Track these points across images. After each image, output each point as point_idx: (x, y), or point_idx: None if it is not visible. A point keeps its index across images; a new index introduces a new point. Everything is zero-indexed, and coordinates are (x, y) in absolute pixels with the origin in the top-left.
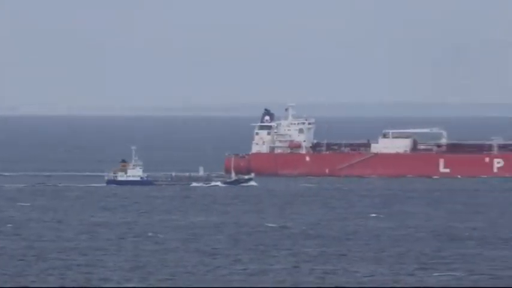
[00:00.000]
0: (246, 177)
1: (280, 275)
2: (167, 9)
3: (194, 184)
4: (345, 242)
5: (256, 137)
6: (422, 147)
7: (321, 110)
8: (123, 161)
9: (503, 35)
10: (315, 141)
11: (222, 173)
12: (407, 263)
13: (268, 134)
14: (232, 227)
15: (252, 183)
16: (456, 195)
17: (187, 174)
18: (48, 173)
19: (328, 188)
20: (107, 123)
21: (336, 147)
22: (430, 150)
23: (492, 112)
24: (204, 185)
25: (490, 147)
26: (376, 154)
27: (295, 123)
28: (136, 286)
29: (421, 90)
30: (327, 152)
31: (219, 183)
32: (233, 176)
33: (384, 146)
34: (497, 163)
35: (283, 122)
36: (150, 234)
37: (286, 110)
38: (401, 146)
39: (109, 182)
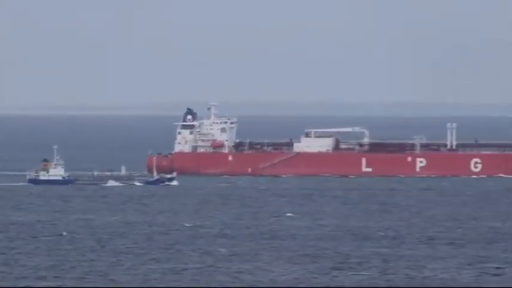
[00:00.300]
0: (168, 176)
1: (195, 274)
2: (167, 9)
3: (110, 183)
4: (260, 241)
5: (179, 137)
6: (344, 146)
7: (323, 109)
8: (45, 160)
9: (503, 35)
10: (238, 140)
11: (145, 172)
12: (322, 262)
13: (191, 133)
14: (148, 227)
15: (174, 182)
16: (374, 195)
17: (108, 173)
18: None
19: (247, 187)
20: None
21: (258, 147)
22: (353, 149)
23: (492, 112)
24: (121, 184)
25: (412, 147)
26: (298, 153)
27: (217, 123)
28: (136, 286)
29: (421, 90)
30: (250, 152)
31: (138, 183)
32: (155, 175)
33: (306, 145)
34: (420, 162)
35: (206, 122)
36: (64, 233)
37: (209, 109)
38: (323, 145)
39: (30, 181)
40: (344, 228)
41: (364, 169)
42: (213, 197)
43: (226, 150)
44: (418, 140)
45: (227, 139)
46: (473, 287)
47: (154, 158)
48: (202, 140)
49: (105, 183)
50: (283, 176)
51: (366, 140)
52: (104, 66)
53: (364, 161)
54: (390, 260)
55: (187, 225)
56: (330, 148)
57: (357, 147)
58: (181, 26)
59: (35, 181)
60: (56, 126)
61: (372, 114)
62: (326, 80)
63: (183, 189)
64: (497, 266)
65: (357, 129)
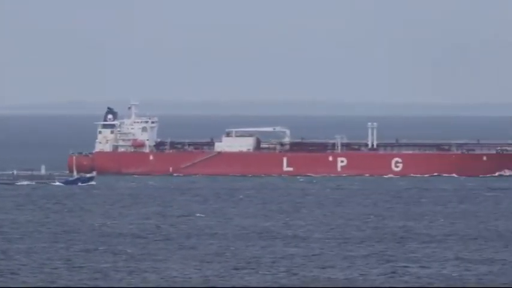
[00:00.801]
0: (88, 175)
1: (97, 271)
2: (166, 8)
3: (21, 183)
4: (168, 241)
5: (100, 136)
6: (265, 146)
7: (323, 109)
8: None
9: (503, 35)
10: (159, 140)
11: (66, 171)
12: (230, 262)
13: (112, 132)
14: (54, 226)
15: (93, 182)
16: (286, 194)
17: (29, 172)
18: None
19: (160, 187)
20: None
21: (179, 146)
22: (274, 149)
23: (492, 112)
24: (33, 183)
25: (333, 146)
26: (219, 153)
27: (138, 122)
28: (137, 286)
29: (421, 90)
30: (171, 151)
31: (58, 182)
32: (75, 175)
33: (227, 144)
34: (341, 162)
35: (126, 121)
36: None
37: (129, 108)
38: (244, 144)
39: None
40: (253, 228)
41: (285, 168)
42: (129, 196)
43: (147, 150)
44: (339, 140)
45: (148, 138)
46: (473, 287)
47: (74, 157)
48: (123, 140)
49: (18, 183)
50: (202, 175)
51: (286, 140)
52: (103, 65)
53: (285, 160)
54: (298, 259)
55: (96, 224)
56: (251, 148)
57: (278, 147)
58: (180, 26)
59: None
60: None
61: (372, 114)
62: (325, 80)
63: (101, 188)
64: (405, 265)
65: (278, 128)
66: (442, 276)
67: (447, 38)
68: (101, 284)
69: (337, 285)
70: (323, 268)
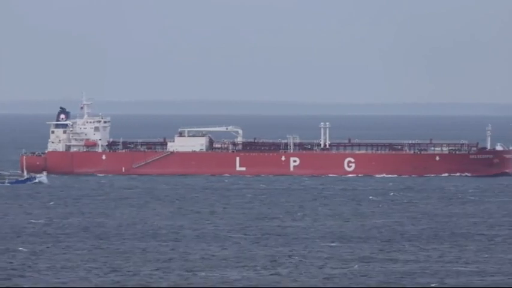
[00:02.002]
0: (37, 175)
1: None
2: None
3: None
4: (66, 239)
5: (52, 136)
6: (218, 145)
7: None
8: None
9: (495, 36)
10: (111, 139)
11: (19, 171)
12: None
13: (64, 132)
14: None
15: (44, 181)
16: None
17: None
18: None
19: (95, 188)
20: None
21: (132, 146)
22: (226, 148)
23: (485, 111)
24: None
25: (286, 146)
26: (172, 152)
27: (90, 122)
28: (137, 286)
29: (416, 91)
30: (123, 151)
31: (8, 182)
32: (25, 175)
33: (180, 144)
34: (294, 161)
35: (79, 121)
36: None
37: (82, 108)
38: (197, 144)
39: None
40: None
41: (238, 168)
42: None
43: (99, 150)
44: (291, 139)
45: (100, 138)
46: (474, 287)
47: (24, 157)
48: (76, 139)
49: None
50: (162, 175)
51: (239, 139)
52: (104, 65)
53: (237, 160)
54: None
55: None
56: (204, 147)
57: (231, 147)
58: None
59: None
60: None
61: (366, 115)
62: (324, 82)
63: (49, 188)
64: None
65: (230, 128)
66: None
67: (444, 37)
68: None
69: (337, 285)
70: (215, 267)
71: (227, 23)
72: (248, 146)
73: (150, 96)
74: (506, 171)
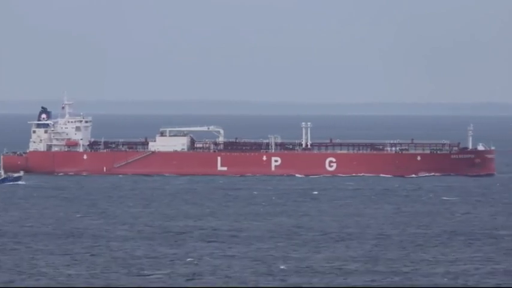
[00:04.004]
0: (15, 175)
1: None
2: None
3: None
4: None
5: (34, 135)
6: (199, 145)
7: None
8: None
9: (495, 36)
10: (93, 139)
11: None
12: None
13: (46, 132)
14: None
15: (21, 181)
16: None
17: None
18: None
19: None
20: None
21: (113, 146)
22: (208, 148)
23: (483, 112)
24: None
25: (267, 146)
26: (153, 152)
27: (72, 122)
28: (138, 286)
29: (416, 91)
30: (105, 150)
31: None
32: (2, 174)
33: (161, 144)
34: (275, 161)
35: (60, 120)
36: None
37: (63, 108)
38: (178, 144)
39: None
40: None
41: (220, 168)
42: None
43: (80, 149)
44: (273, 139)
45: (82, 138)
46: (474, 287)
47: (2, 156)
48: (57, 139)
49: None
50: (143, 175)
51: (220, 139)
52: (104, 65)
53: (219, 160)
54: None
55: None
56: (185, 147)
57: (212, 146)
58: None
59: None
60: None
61: (366, 115)
62: (324, 82)
63: (25, 188)
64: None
65: (212, 128)
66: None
67: (442, 38)
68: None
69: (338, 285)
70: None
71: (227, 23)
72: (230, 146)
73: (150, 96)
74: (489, 172)
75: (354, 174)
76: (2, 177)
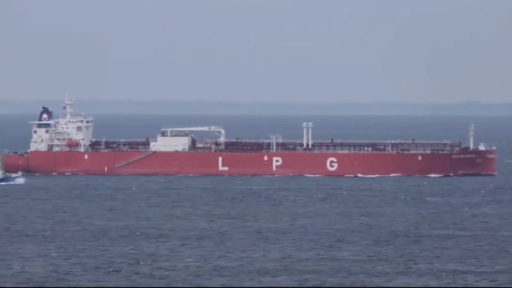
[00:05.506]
0: (14, 175)
1: None
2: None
3: None
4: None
5: (35, 135)
6: (200, 145)
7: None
8: None
9: (495, 36)
10: (94, 139)
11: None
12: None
13: (47, 132)
14: None
15: (19, 181)
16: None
17: None
18: None
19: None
20: None
21: (114, 146)
22: (209, 148)
23: (484, 112)
24: None
25: (268, 146)
26: (154, 152)
27: (73, 121)
28: (136, 286)
29: (416, 91)
30: (106, 151)
31: None
32: (0, 174)
33: (162, 144)
34: (276, 161)
35: (61, 120)
36: None
37: (64, 108)
38: (179, 144)
39: None
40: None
41: (221, 168)
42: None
43: (82, 149)
44: (274, 139)
45: (83, 138)
46: (472, 287)
47: (3, 156)
48: (58, 139)
49: None
50: (145, 174)
51: (222, 139)
52: (104, 65)
53: (220, 160)
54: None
55: None
56: (186, 147)
57: (213, 147)
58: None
59: None
60: None
61: (366, 114)
62: (324, 82)
63: (21, 187)
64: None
65: (213, 128)
66: None
67: (441, 38)
68: None
69: (338, 285)
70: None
71: (227, 23)
72: (231, 146)
73: (150, 96)
74: (490, 172)
75: (354, 175)
76: (1, 177)
